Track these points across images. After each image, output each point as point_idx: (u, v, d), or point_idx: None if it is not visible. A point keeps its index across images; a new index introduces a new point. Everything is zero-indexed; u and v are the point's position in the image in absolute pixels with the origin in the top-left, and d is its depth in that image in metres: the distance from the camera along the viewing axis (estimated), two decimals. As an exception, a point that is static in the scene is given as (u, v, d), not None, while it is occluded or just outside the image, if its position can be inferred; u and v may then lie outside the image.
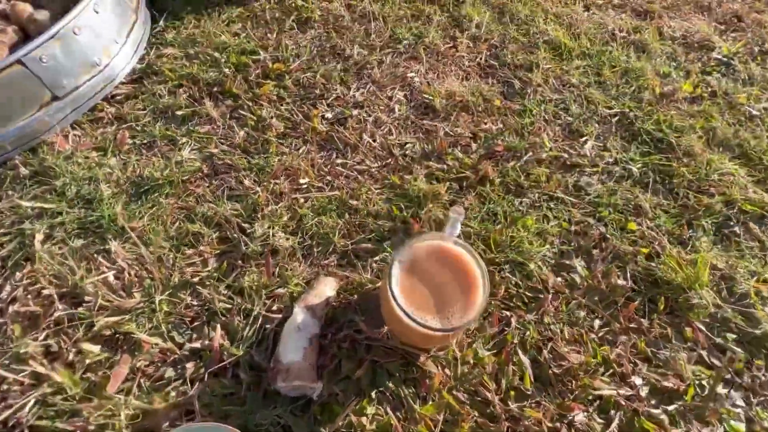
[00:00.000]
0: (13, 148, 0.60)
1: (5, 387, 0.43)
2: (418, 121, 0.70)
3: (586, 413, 0.45)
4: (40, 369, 0.43)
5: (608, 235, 0.58)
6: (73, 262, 0.51)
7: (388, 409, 0.44)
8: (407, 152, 0.66)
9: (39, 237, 0.53)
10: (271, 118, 0.68)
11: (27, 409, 0.41)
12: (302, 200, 0.59)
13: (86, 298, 0.49)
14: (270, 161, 0.62)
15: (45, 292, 0.49)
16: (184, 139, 0.65)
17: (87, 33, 0.63)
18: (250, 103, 0.70)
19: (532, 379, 0.47)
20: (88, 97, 0.65)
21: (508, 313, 0.51)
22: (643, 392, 0.47)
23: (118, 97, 0.70)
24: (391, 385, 0.46)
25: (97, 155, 0.62)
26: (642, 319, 0.52)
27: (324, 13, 0.86)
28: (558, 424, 0.44)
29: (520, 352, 0.49)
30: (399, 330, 0.45)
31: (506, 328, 0.50)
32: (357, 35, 0.82)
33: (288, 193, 0.60)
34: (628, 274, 0.55)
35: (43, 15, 0.65)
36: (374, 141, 0.67)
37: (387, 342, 0.48)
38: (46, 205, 0.56)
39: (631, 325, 0.52)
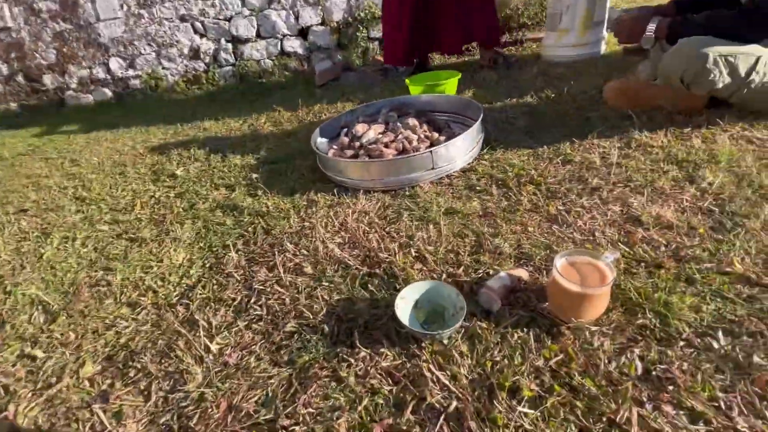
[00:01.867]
0: (407, 184, 1.36)
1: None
2: (623, 224, 1.02)
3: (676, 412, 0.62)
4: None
5: (768, 335, 0.69)
6: (414, 227, 1.15)
7: (531, 335, 0.77)
8: (604, 238, 0.99)
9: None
10: (525, 201, 1.18)
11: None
12: (525, 239, 1.03)
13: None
14: (515, 218, 1.11)
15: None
16: (475, 199, 1.24)
17: (453, 148, 1.36)
18: (516, 191, 1.23)
19: (638, 371, 0.68)
20: (443, 171, 1.37)
21: (638, 336, 0.74)
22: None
23: (452, 176, 1.40)
24: (537, 329, 0.78)
25: (435, 195, 1.30)
26: (771, 393, 0.61)
27: (582, 159, 1.34)
28: (641, 410, 0.63)
29: (637, 359, 0.70)
30: (554, 296, 0.78)
31: (632, 344, 0.73)
32: (600, 173, 1.24)
33: (520, 233, 1.05)
34: (774, 363, 0.65)
35: (442, 138, 1.47)
36: (585, 225, 1.04)
37: (544, 311, 0.81)
38: (412, 206, 1.26)
39: (761, 393, 0.62)
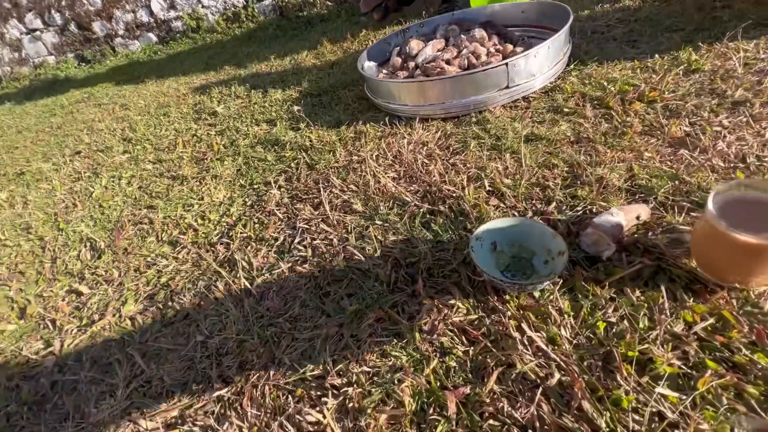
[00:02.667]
0: (473, 108, 1.12)
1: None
2: (791, 147, 0.73)
3: None
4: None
5: None
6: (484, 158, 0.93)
7: (663, 291, 0.56)
8: (764, 164, 0.71)
9: (472, 143, 0.99)
10: (635, 122, 0.90)
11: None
12: (640, 168, 0.78)
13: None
14: (621, 143, 0.85)
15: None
16: (563, 123, 0.98)
17: (534, 60, 1.08)
18: (620, 111, 0.95)
19: None
20: (519, 92, 1.11)
21: (839, 299, 0.50)
22: None
23: (530, 97, 1.13)
24: (669, 284, 0.57)
25: (509, 120, 1.06)
26: None
27: (714, 67, 1.00)
28: None
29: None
30: (708, 248, 0.54)
31: (829, 309, 0.50)
32: (745, 82, 0.92)
33: (632, 161, 0.80)
34: None
35: (519, 50, 1.18)
36: (728, 149, 0.76)
37: (680, 261, 0.59)
38: (481, 133, 1.03)
39: None
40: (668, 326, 0.52)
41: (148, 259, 0.98)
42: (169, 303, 0.83)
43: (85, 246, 1.10)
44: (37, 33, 3.88)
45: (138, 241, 1.06)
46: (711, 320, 0.52)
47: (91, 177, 1.52)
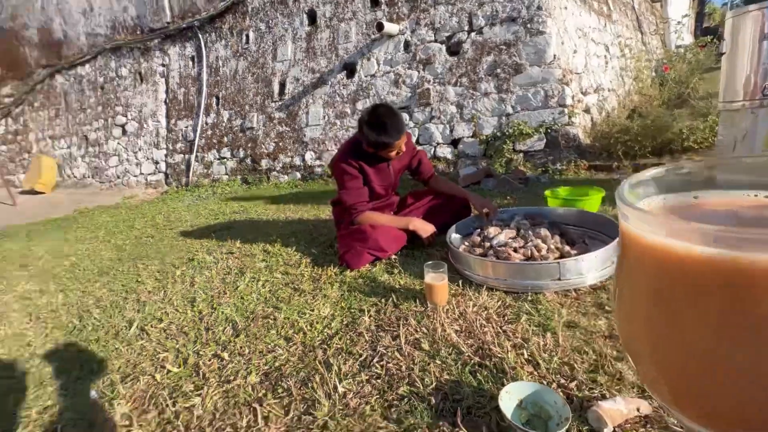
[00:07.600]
0: (530, 289, 1.42)
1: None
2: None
3: None
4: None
5: None
6: (530, 331, 1.20)
7: None
8: None
9: (524, 318, 1.27)
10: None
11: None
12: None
13: (529, 343, 1.14)
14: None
15: (516, 334, 1.20)
16: (603, 318, 1.22)
17: (584, 263, 1.39)
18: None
19: None
20: (570, 285, 1.40)
21: None
22: None
23: (580, 290, 1.40)
24: (654, 470, 0.73)
25: (558, 305, 1.32)
26: None
27: None
28: None
29: None
30: None
31: None
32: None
33: (647, 364, 1.00)
34: None
35: (573, 252, 1.51)
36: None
37: (666, 453, 0.75)
38: (532, 311, 1.31)
39: None
40: (641, 500, 0.68)
41: (269, 346, 1.36)
42: (279, 382, 1.16)
43: (229, 324, 1.56)
44: (224, 159, 5.46)
45: (264, 331, 1.47)
46: (680, 507, 0.66)
47: (238, 274, 2.10)
